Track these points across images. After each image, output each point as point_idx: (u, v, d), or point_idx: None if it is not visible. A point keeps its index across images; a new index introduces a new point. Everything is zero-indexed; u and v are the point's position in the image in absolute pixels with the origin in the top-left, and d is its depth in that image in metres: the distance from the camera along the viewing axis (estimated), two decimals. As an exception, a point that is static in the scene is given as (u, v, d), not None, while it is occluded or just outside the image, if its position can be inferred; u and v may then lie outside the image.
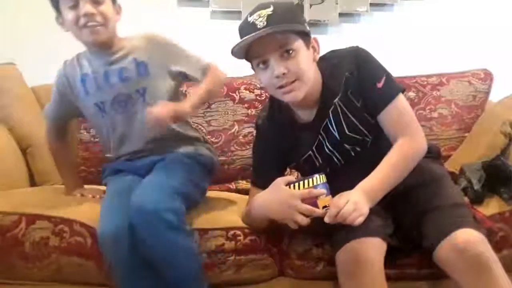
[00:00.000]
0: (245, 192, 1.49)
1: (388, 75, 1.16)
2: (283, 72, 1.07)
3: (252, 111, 1.83)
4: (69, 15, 1.24)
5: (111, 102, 1.32)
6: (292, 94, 1.10)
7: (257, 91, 1.86)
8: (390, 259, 1.08)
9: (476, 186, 1.29)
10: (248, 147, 1.77)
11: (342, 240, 1.06)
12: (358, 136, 1.19)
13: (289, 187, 1.10)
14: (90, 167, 1.74)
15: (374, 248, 1.04)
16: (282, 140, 1.24)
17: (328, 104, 1.17)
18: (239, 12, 2.15)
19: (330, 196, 1.07)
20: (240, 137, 1.80)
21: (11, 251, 1.21)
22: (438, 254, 1.03)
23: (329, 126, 1.19)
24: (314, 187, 1.07)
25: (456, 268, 1.01)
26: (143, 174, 1.28)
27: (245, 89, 1.86)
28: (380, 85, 1.14)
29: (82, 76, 1.33)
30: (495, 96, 1.88)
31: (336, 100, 1.17)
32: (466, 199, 1.29)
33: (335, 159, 1.23)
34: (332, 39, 2.21)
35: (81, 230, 1.22)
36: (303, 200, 1.06)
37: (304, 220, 1.05)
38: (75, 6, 1.23)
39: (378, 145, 1.20)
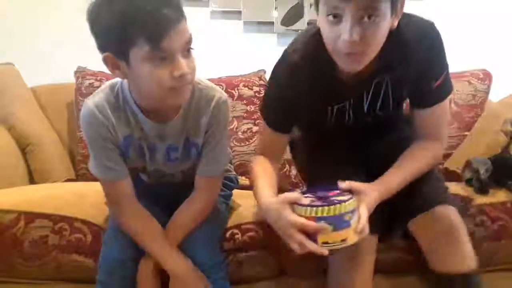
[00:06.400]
0: (244, 188, 1.49)
1: (448, 72, 1.08)
2: (356, 39, 0.89)
3: (251, 108, 1.84)
4: (157, 71, 0.93)
5: (150, 170, 1.18)
6: (353, 65, 0.97)
7: (256, 88, 1.87)
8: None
9: (483, 176, 1.30)
10: (247, 143, 1.79)
11: None
12: (381, 115, 1.15)
13: (295, 207, 0.94)
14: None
15: (367, 245, 1.05)
16: (316, 81, 1.07)
17: (376, 75, 1.06)
18: (239, 12, 2.16)
19: (341, 231, 0.90)
20: (239, 133, 1.81)
21: (10, 249, 1.21)
22: (416, 222, 1.09)
23: (364, 96, 1.10)
24: (320, 218, 0.90)
25: (429, 234, 1.09)
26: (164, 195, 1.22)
27: (244, 86, 1.87)
28: (436, 84, 1.06)
29: (125, 137, 1.09)
30: (494, 96, 1.89)
31: (387, 76, 1.06)
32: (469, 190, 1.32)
33: (347, 116, 1.15)
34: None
35: (82, 227, 1.22)
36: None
37: (297, 250, 0.91)
38: (165, 61, 0.93)
39: (387, 122, 1.21)
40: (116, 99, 1.07)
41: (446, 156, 1.73)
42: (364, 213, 0.92)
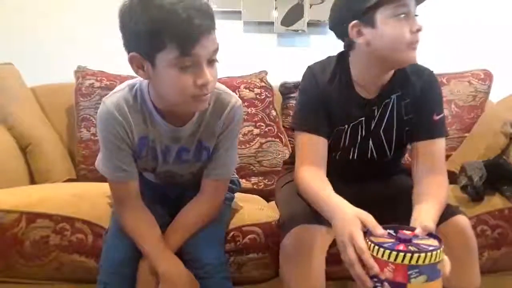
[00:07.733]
0: (244, 191, 1.49)
1: (444, 116, 1.19)
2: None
3: (252, 110, 1.83)
4: (181, 77, 0.94)
5: (160, 171, 1.19)
6: (415, 54, 1.11)
7: (257, 90, 1.86)
8: None
9: (477, 183, 1.30)
10: (247, 145, 1.79)
11: (288, 227, 1.07)
12: (384, 142, 1.21)
13: (379, 249, 0.82)
14: (89, 165, 1.73)
15: (317, 235, 1.05)
16: (340, 95, 1.18)
17: (386, 95, 1.18)
18: (239, 12, 2.16)
19: (433, 283, 0.80)
20: (240, 136, 1.78)
21: (11, 249, 1.21)
22: (440, 229, 1.04)
23: (375, 115, 1.19)
24: (413, 266, 0.78)
25: (453, 243, 1.04)
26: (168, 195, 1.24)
27: (245, 88, 1.86)
28: (436, 118, 1.16)
29: (141, 138, 1.10)
30: (495, 97, 1.89)
31: (394, 95, 1.18)
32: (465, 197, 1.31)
33: (351, 152, 1.23)
34: (332, 39, 2.21)
35: (83, 227, 1.22)
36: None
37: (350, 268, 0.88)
38: (190, 68, 0.94)
39: (387, 169, 1.27)
40: (134, 100, 1.07)
41: (446, 157, 1.73)
42: (447, 258, 0.86)
